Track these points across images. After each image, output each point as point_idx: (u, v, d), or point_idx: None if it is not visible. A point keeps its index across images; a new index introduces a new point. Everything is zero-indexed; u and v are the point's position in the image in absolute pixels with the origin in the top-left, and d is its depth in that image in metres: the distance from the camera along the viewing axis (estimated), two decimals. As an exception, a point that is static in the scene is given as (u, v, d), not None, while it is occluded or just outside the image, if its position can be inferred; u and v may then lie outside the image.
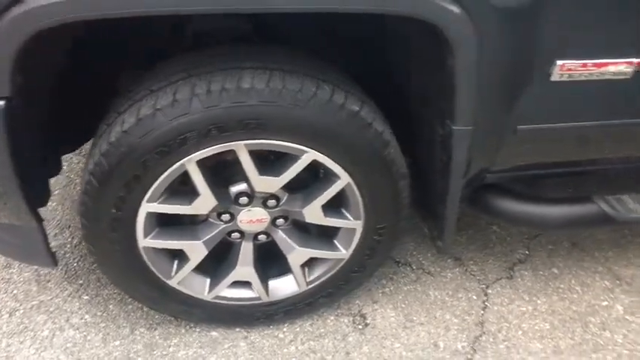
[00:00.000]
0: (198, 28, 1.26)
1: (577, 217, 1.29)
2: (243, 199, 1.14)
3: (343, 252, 1.26)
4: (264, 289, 1.30)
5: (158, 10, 0.82)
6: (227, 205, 1.15)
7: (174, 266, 1.23)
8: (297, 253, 1.25)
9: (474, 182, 1.24)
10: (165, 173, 1.02)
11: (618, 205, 1.30)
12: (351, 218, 1.20)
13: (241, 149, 1.03)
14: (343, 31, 1.20)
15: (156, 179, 1.02)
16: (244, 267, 1.25)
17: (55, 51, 1.05)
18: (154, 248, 1.17)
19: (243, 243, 1.24)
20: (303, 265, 1.29)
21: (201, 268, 1.25)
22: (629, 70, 1.04)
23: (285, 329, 1.39)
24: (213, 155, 1.04)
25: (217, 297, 1.29)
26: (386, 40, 1.22)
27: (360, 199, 1.15)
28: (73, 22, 0.81)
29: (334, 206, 1.19)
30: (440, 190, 1.19)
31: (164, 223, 1.16)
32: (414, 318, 1.44)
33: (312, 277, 1.31)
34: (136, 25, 0.90)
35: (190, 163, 1.02)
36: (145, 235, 1.13)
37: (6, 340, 1.33)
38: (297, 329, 1.39)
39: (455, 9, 0.87)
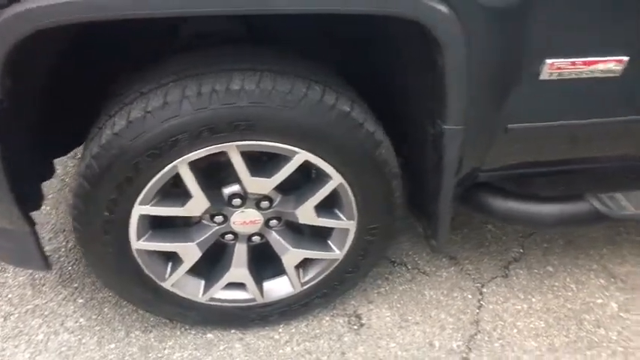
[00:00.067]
0: (193, 31, 1.26)
1: (569, 215, 1.29)
2: (236, 201, 1.14)
3: (337, 252, 1.26)
4: (258, 291, 1.30)
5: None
6: (220, 206, 1.15)
7: (168, 268, 1.23)
8: (291, 254, 1.25)
9: (466, 181, 1.24)
10: (157, 175, 1.02)
11: (610, 203, 1.30)
12: (344, 218, 1.20)
13: (233, 151, 1.03)
14: (335, 32, 1.20)
15: (148, 181, 1.03)
16: (238, 268, 1.26)
17: (45, 54, 1.05)
18: (147, 251, 1.17)
19: (237, 244, 1.24)
20: (297, 266, 1.29)
21: (196, 270, 1.25)
22: (618, 68, 1.05)
23: (280, 330, 1.39)
24: (205, 157, 1.04)
25: (212, 299, 1.29)
26: (377, 40, 1.23)
27: (352, 199, 1.15)
28: (65, 24, 0.82)
29: (327, 207, 1.19)
30: (432, 190, 1.20)
31: (157, 225, 1.17)
32: (410, 317, 1.44)
33: (306, 278, 1.31)
34: (131, 27, 0.90)
35: (182, 165, 1.02)
36: (138, 238, 1.13)
37: (1, 344, 1.32)
38: (293, 330, 1.39)
39: (443, 9, 0.87)
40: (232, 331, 1.38)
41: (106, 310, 1.42)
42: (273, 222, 1.21)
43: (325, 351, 1.35)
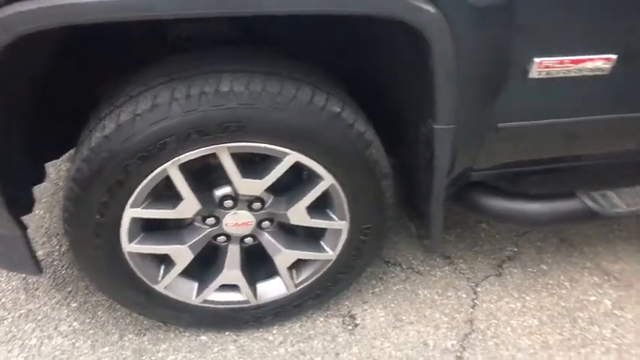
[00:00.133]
0: (185, 33, 1.26)
1: (561, 213, 1.30)
2: (228, 203, 1.14)
3: (330, 253, 1.26)
4: (252, 292, 1.30)
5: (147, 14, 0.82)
6: (212, 208, 1.15)
7: (161, 271, 1.23)
8: (283, 255, 1.25)
9: (458, 180, 1.25)
10: (148, 178, 1.02)
11: (602, 201, 1.31)
12: (336, 219, 1.20)
13: (223, 152, 1.03)
14: (328, 33, 1.20)
15: (138, 184, 1.02)
16: (231, 270, 1.25)
17: (35, 57, 1.05)
18: (139, 253, 1.17)
19: (230, 246, 1.24)
20: (290, 267, 1.29)
21: (189, 273, 1.24)
22: (607, 66, 1.05)
23: (274, 331, 1.39)
24: (197, 159, 1.04)
25: (205, 301, 1.29)
26: (369, 41, 1.23)
27: (344, 199, 1.15)
28: (55, 28, 0.81)
29: (319, 208, 1.19)
30: (424, 189, 1.20)
31: (149, 227, 1.16)
32: (404, 317, 1.44)
33: (300, 279, 1.31)
34: (121, 30, 0.90)
35: (172, 167, 1.02)
36: (130, 241, 1.13)
37: (-6, 349, 1.32)
38: (287, 331, 1.39)
39: (430, 9, 0.87)
40: (226, 332, 1.37)
41: (99, 313, 1.41)
42: (266, 223, 1.21)
43: (319, 352, 1.34)
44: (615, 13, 1.01)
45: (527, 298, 1.50)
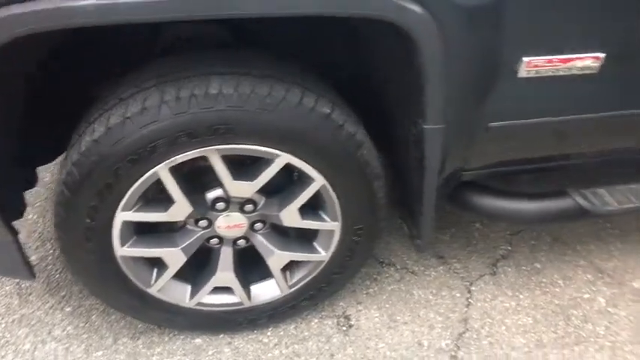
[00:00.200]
0: (176, 35, 1.26)
1: (553, 211, 1.30)
2: (220, 205, 1.14)
3: (323, 254, 1.26)
4: (246, 294, 1.30)
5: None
6: (204, 211, 1.15)
7: (154, 274, 1.23)
8: (276, 257, 1.25)
9: (450, 180, 1.25)
10: (139, 181, 1.02)
11: (594, 199, 1.31)
12: (329, 220, 1.20)
13: (213, 155, 1.03)
14: (317, 34, 1.21)
15: (129, 187, 1.02)
16: (224, 273, 1.25)
17: (25, 60, 1.05)
18: (132, 257, 1.17)
19: (223, 248, 1.24)
20: (284, 269, 1.29)
21: (182, 275, 1.24)
22: (596, 64, 1.06)
23: (269, 333, 1.39)
24: (188, 161, 1.04)
25: (199, 304, 1.29)
26: (359, 41, 1.23)
27: (336, 200, 1.15)
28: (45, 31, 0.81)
29: (311, 209, 1.19)
30: (416, 189, 1.20)
31: (141, 231, 1.16)
32: (398, 317, 1.44)
33: (293, 281, 1.31)
34: (111, 33, 0.90)
35: (163, 170, 1.02)
36: (122, 244, 1.12)
37: (-13, 355, 1.32)
38: (281, 333, 1.39)
39: (417, 9, 0.88)
40: (221, 335, 1.37)
41: (93, 317, 1.41)
42: (258, 225, 1.21)
43: (314, 353, 1.34)
44: (603, 12, 1.02)
45: (521, 296, 1.50)
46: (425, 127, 1.06)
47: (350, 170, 1.11)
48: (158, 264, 1.22)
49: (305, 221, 1.19)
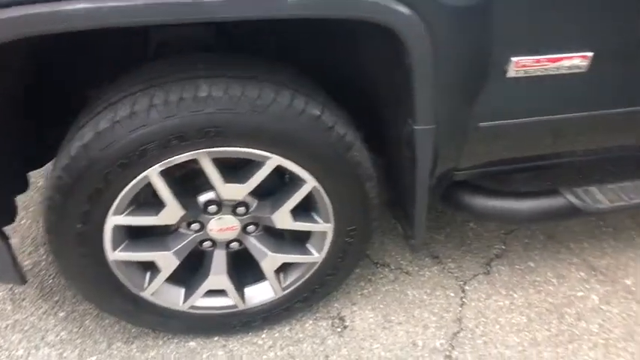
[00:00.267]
0: (162, 39, 1.26)
1: (545, 210, 1.31)
2: (212, 208, 1.14)
3: (316, 256, 1.26)
4: (239, 297, 1.29)
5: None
6: (196, 214, 1.15)
7: (147, 278, 1.23)
8: (270, 259, 1.25)
9: (442, 180, 1.25)
10: (129, 185, 1.02)
11: (585, 197, 1.32)
12: (321, 221, 1.20)
13: (204, 158, 1.03)
14: (308, 36, 1.21)
15: (119, 192, 1.02)
16: (218, 275, 1.25)
17: (12, 66, 1.05)
18: (124, 261, 1.16)
19: (216, 251, 1.24)
20: (277, 271, 1.29)
21: (175, 279, 1.24)
22: (584, 63, 1.06)
23: (263, 335, 1.39)
24: (179, 165, 1.04)
25: (193, 307, 1.29)
26: (348, 42, 1.23)
27: (328, 202, 1.15)
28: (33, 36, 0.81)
29: (304, 210, 1.19)
30: (408, 189, 1.20)
31: (134, 235, 1.16)
32: (393, 318, 1.44)
33: (287, 283, 1.31)
34: (100, 38, 0.90)
35: (153, 174, 1.01)
36: (114, 248, 1.12)
37: (-20, 361, 1.31)
38: (276, 335, 1.39)
39: (405, 10, 0.88)
40: (215, 338, 1.37)
41: (87, 322, 1.41)
42: (251, 227, 1.21)
43: (309, 355, 1.34)
44: (590, 11, 1.02)
45: (515, 295, 1.51)
46: (415, 127, 1.06)
47: (341, 171, 1.11)
48: (151, 267, 1.22)
49: (297, 223, 1.19)
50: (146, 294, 1.23)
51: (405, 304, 1.48)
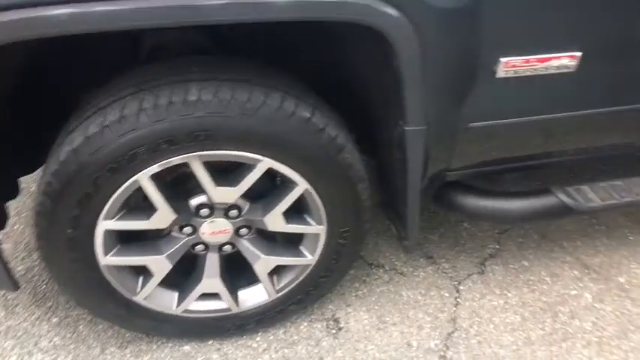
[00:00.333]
0: (158, 42, 1.26)
1: (537, 209, 1.31)
2: (204, 211, 1.14)
3: (309, 258, 1.26)
4: (233, 300, 1.29)
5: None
6: (188, 217, 1.15)
7: (140, 282, 1.22)
8: (263, 262, 1.25)
9: (434, 181, 1.25)
10: (119, 190, 1.02)
11: (577, 196, 1.33)
12: (314, 223, 1.20)
13: (194, 161, 1.03)
14: (298, 39, 1.21)
15: (110, 196, 1.02)
16: (211, 279, 1.25)
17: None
18: (116, 266, 1.16)
19: (208, 255, 1.23)
20: (271, 274, 1.28)
21: (168, 283, 1.24)
22: (573, 63, 1.07)
23: (258, 338, 1.38)
24: (171, 168, 1.04)
25: (187, 310, 1.28)
26: (338, 44, 1.24)
27: (320, 204, 1.15)
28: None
29: (296, 213, 1.19)
30: (400, 190, 1.20)
31: (126, 239, 1.16)
32: (387, 319, 1.44)
33: (281, 285, 1.31)
34: (91, 42, 0.90)
35: (143, 178, 1.01)
36: (106, 253, 1.12)
37: (-28, 368, 1.30)
38: (271, 337, 1.39)
39: (393, 12, 0.88)
40: (209, 342, 1.37)
41: (80, 327, 1.40)
42: (244, 230, 1.21)
43: (304, 357, 1.34)
44: (579, 12, 1.03)
45: (509, 294, 1.51)
46: (406, 128, 1.06)
47: (333, 173, 1.11)
48: (144, 272, 1.21)
49: (290, 225, 1.19)
50: (139, 298, 1.22)
51: (400, 305, 1.48)
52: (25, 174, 1.34)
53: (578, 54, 1.06)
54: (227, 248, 1.24)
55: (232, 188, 1.09)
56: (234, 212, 1.16)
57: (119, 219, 1.07)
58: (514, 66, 1.04)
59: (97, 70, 1.23)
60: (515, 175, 1.35)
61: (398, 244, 1.66)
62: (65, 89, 1.26)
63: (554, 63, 1.06)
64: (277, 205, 1.14)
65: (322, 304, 1.46)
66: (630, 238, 1.71)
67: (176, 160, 1.00)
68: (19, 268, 1.57)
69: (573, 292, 1.52)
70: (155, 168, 1.00)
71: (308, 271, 1.29)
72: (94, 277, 1.15)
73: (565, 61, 1.06)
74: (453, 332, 1.41)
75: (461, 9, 0.94)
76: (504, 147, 1.22)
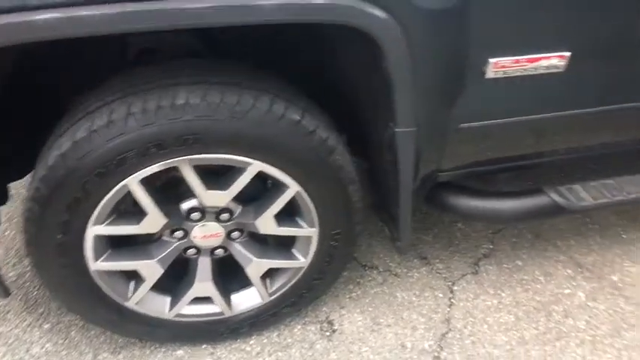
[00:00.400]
0: (143, 45, 1.26)
1: (529, 209, 1.31)
2: (195, 215, 1.13)
3: (302, 260, 1.26)
4: (226, 304, 1.29)
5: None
6: (179, 221, 1.14)
7: (131, 287, 1.21)
8: (255, 265, 1.24)
9: (426, 182, 1.25)
10: (109, 195, 1.01)
11: (569, 195, 1.33)
12: (306, 226, 1.20)
13: (184, 165, 1.02)
14: (287, 41, 1.21)
15: (99, 201, 1.01)
16: (203, 283, 1.24)
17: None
18: (106, 271, 1.15)
19: (200, 259, 1.23)
20: (263, 277, 1.28)
21: (160, 287, 1.23)
22: (562, 63, 1.07)
23: (251, 342, 1.38)
24: (161, 172, 1.03)
25: (179, 315, 1.28)
26: (327, 47, 1.24)
27: (311, 206, 1.15)
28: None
29: (288, 215, 1.19)
30: (392, 192, 1.20)
31: (117, 244, 1.15)
32: (381, 320, 1.44)
33: (273, 288, 1.31)
34: (80, 46, 0.89)
35: (133, 182, 1.01)
36: (96, 258, 1.11)
37: (-37, 376, 1.29)
38: (265, 341, 1.38)
39: (380, 14, 0.88)
40: (203, 346, 1.36)
41: (72, 333, 1.39)
42: (235, 234, 1.20)
43: (297, 360, 1.34)
44: (567, 12, 1.03)
45: (503, 294, 1.51)
46: (396, 130, 1.06)
47: (324, 175, 1.11)
48: (135, 277, 1.21)
49: (282, 228, 1.18)
50: (131, 303, 1.22)
51: (394, 306, 1.48)
52: (15, 179, 1.33)
53: (568, 54, 1.06)
54: (219, 252, 1.23)
55: (223, 192, 1.09)
56: (225, 216, 1.16)
57: (109, 224, 1.06)
58: (503, 66, 1.04)
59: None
60: (506, 175, 1.35)
61: (391, 246, 1.65)
62: (61, 91, 1.24)
63: (544, 63, 1.06)
64: (269, 208, 1.14)
65: (316, 306, 1.46)
66: (623, 236, 1.71)
67: (165, 164, 0.99)
68: (11, 275, 1.55)
69: (567, 291, 1.52)
70: (145, 172, 0.99)
71: (301, 273, 1.28)
72: (85, 282, 1.14)
73: (554, 61, 1.06)
74: (447, 333, 1.41)
75: (449, 9, 0.94)
76: (495, 147, 1.22)
